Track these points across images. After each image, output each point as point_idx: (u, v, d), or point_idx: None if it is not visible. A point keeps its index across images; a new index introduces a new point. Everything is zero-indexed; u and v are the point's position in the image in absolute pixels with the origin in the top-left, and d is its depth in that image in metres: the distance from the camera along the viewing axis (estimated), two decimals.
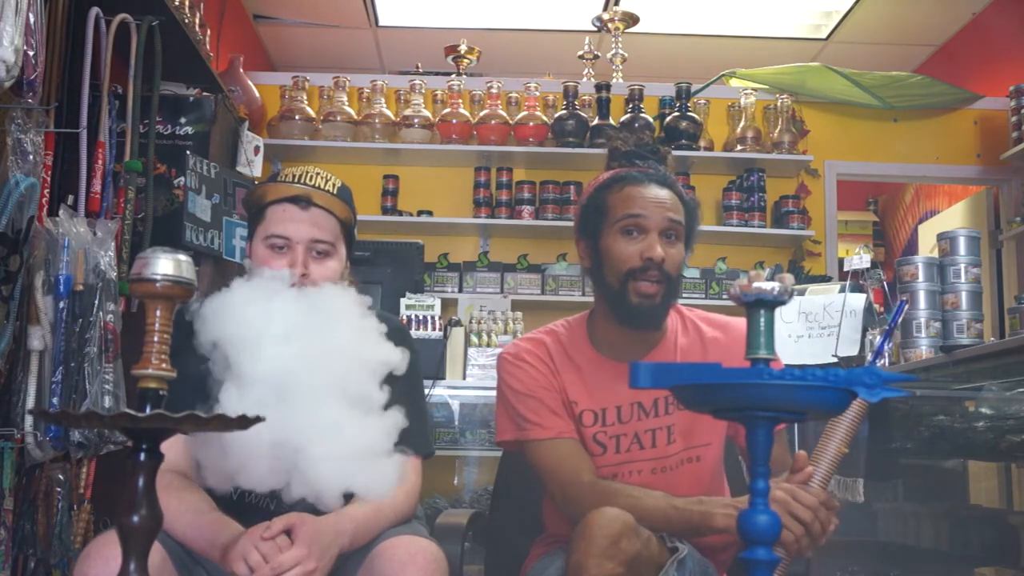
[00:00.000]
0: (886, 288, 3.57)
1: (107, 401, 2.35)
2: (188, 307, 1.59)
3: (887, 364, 3.46)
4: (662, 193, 1.81)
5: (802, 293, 3.25)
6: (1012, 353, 2.95)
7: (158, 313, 1.16)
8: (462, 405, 4.20)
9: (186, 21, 3.23)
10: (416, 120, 4.69)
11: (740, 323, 1.84)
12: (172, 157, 3.10)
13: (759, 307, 1.14)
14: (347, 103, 4.74)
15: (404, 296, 4.10)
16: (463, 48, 5.15)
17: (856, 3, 5.31)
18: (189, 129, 3.26)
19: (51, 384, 2.28)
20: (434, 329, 4.01)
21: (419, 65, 5.33)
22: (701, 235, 1.91)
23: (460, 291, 4.60)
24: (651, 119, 4.65)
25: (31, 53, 2.11)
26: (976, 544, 3.49)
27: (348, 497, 1.59)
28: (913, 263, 3.44)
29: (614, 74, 5.03)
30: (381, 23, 5.78)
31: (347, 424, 1.52)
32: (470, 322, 4.24)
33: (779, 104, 4.82)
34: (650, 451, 1.83)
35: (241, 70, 4.49)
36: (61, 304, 2.31)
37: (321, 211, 1.76)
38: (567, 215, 4.60)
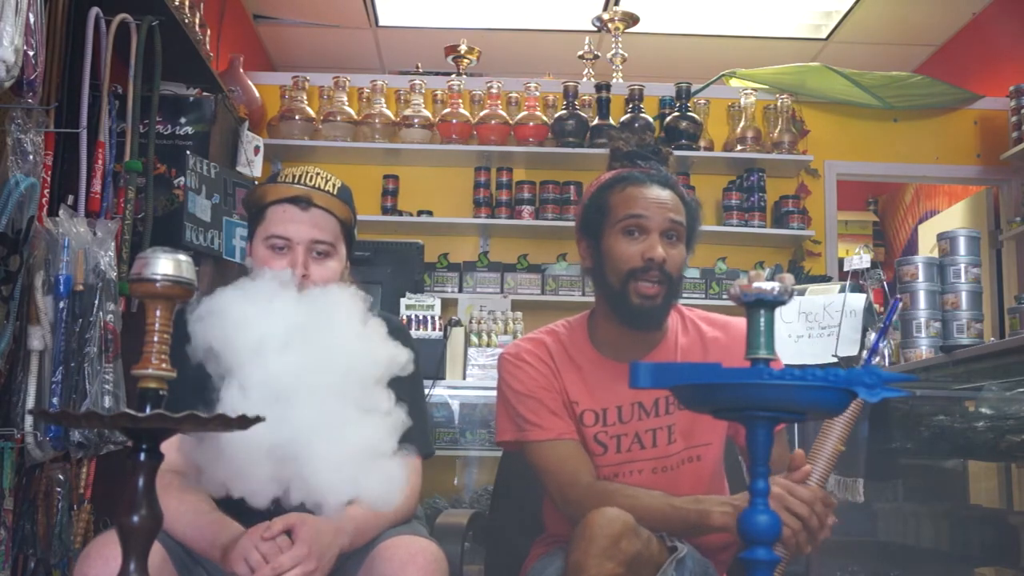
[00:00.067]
0: (886, 288, 3.57)
1: (107, 401, 2.35)
2: (189, 307, 1.59)
3: (886, 364, 3.46)
4: (664, 194, 1.81)
5: (802, 293, 3.25)
6: (1012, 353, 2.95)
7: (158, 313, 1.16)
8: (462, 405, 4.20)
9: (186, 21, 3.23)
10: (416, 120, 4.69)
11: (740, 323, 1.84)
12: (172, 157, 3.10)
13: (759, 307, 1.14)
14: (347, 103, 4.74)
15: (404, 296, 4.10)
16: (463, 48, 5.15)
17: (856, 3, 5.31)
18: (189, 129, 3.26)
19: (51, 384, 2.28)
20: (434, 329, 4.01)
21: (419, 65, 5.33)
22: (701, 235, 1.91)
23: (460, 291, 4.60)
24: (651, 119, 4.65)
25: (31, 53, 2.11)
26: (976, 544, 3.49)
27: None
28: (913, 263, 3.44)
29: (614, 74, 5.03)
30: (381, 23, 5.78)
31: (351, 429, 1.51)
32: (470, 322, 4.24)
33: (779, 104, 4.82)
34: (651, 451, 1.83)
35: (241, 70, 4.49)
36: (61, 304, 2.31)
37: (321, 212, 1.76)
38: (567, 215, 4.60)
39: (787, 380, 1.07)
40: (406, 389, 1.64)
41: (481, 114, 4.71)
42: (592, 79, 4.97)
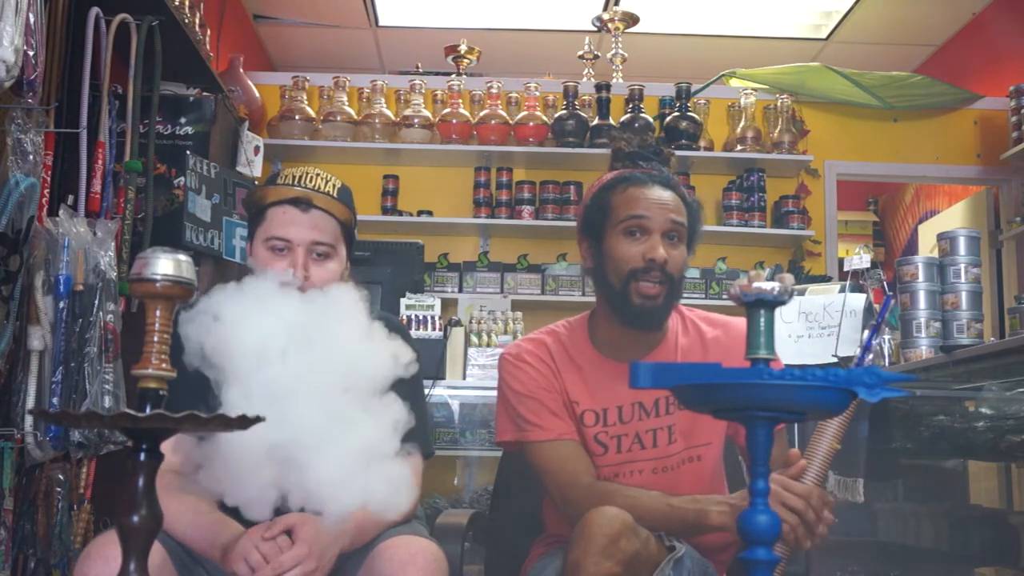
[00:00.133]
0: (886, 288, 3.57)
1: (107, 401, 2.35)
2: (189, 307, 1.58)
3: (886, 364, 3.46)
4: (665, 194, 1.81)
5: (802, 293, 3.25)
6: (1012, 353, 2.95)
7: (158, 313, 1.16)
8: (462, 405, 4.20)
9: (186, 21, 3.23)
10: (416, 120, 4.69)
11: (740, 323, 1.84)
12: (172, 157, 3.10)
13: (759, 307, 1.14)
14: (347, 103, 4.74)
15: (404, 296, 4.10)
16: (463, 48, 5.15)
17: (856, 3, 5.31)
18: (189, 129, 3.26)
19: (51, 384, 2.28)
20: (434, 329, 4.01)
21: (419, 65, 5.33)
22: (703, 236, 1.92)
23: (460, 291, 4.60)
24: (651, 119, 4.65)
25: (31, 53, 2.11)
26: (976, 544, 3.49)
27: None
28: (913, 263, 3.44)
29: (614, 74, 5.03)
30: (381, 23, 5.78)
31: (353, 431, 1.49)
32: (470, 322, 4.24)
33: (779, 104, 4.82)
34: (651, 451, 1.83)
35: (241, 70, 4.49)
36: (61, 304, 2.31)
37: (321, 213, 1.76)
38: (567, 215, 4.60)
39: (787, 380, 1.07)
40: (406, 389, 1.64)
41: (481, 114, 4.71)
42: (592, 79, 4.97)
